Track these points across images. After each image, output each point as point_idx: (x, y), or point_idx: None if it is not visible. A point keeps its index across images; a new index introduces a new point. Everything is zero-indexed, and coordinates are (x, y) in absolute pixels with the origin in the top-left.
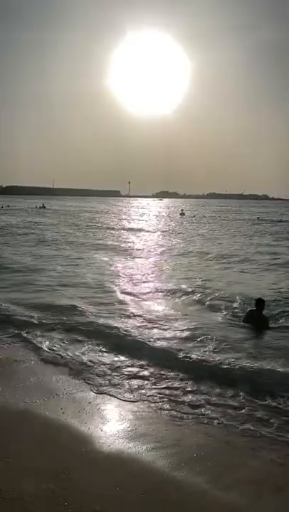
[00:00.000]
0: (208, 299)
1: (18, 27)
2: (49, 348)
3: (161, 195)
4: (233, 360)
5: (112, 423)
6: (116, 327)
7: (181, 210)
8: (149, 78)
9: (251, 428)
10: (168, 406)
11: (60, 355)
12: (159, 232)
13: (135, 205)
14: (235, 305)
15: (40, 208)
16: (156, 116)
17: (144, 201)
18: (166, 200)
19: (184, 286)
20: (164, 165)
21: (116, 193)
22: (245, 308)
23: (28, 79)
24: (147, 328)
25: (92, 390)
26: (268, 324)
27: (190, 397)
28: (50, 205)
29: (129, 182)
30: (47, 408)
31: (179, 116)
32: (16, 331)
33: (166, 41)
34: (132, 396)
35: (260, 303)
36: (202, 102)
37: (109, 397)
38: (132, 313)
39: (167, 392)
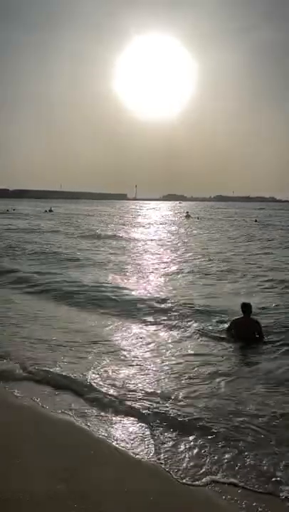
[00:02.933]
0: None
1: (19, 27)
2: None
3: (168, 198)
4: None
5: (122, 427)
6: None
7: (187, 213)
8: (152, 80)
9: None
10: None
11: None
12: None
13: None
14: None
15: (48, 211)
16: (160, 119)
17: (161, 205)
18: (184, 203)
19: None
20: (170, 167)
21: (123, 196)
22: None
23: (28, 79)
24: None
25: (102, 393)
26: (260, 329)
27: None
28: (65, 209)
29: (136, 185)
30: (56, 410)
31: (182, 117)
32: None
33: (168, 43)
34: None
35: (247, 308)
36: (205, 103)
37: (117, 400)
38: None
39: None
